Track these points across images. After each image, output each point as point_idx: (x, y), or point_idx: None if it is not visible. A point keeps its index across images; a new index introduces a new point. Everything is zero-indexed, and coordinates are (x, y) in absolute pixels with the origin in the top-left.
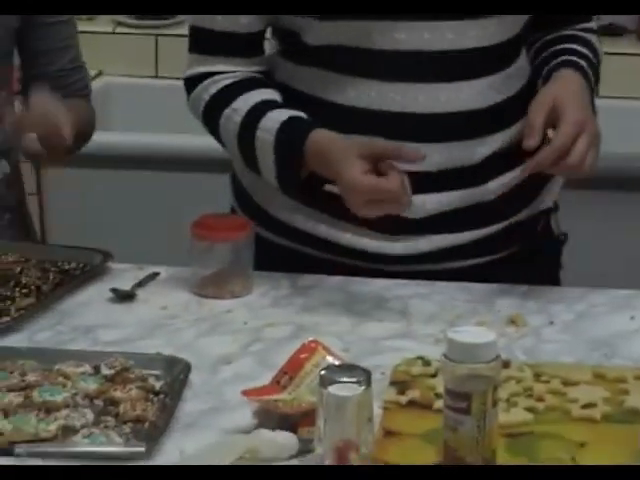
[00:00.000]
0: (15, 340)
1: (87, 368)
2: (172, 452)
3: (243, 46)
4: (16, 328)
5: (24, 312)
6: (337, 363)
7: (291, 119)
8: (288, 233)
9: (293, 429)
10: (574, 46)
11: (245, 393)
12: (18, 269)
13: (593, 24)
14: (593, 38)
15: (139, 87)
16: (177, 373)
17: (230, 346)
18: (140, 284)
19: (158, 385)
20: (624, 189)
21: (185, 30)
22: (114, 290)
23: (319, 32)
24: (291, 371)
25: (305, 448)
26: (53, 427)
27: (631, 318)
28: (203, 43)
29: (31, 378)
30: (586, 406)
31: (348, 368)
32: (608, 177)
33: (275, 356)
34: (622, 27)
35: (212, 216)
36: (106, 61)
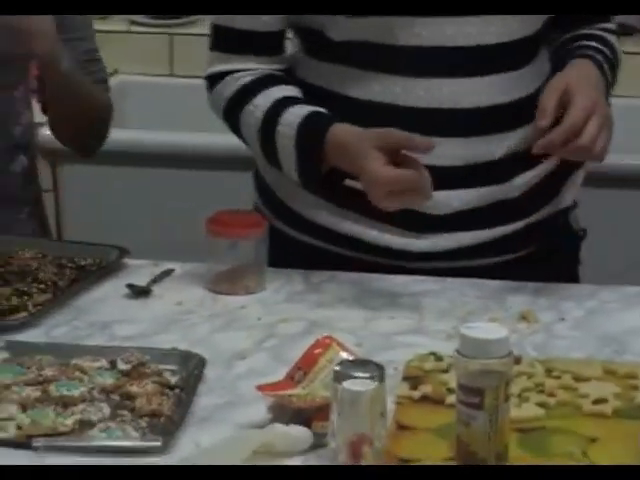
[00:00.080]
0: (32, 335)
1: (103, 363)
2: (188, 446)
3: (264, 44)
4: (33, 323)
5: (41, 308)
6: (351, 358)
7: (312, 114)
8: (311, 230)
9: (307, 424)
10: (591, 43)
11: (259, 388)
12: (35, 265)
13: (612, 25)
14: (612, 38)
15: (154, 85)
16: (192, 368)
17: (244, 341)
18: (155, 280)
19: (174, 380)
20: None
21: (199, 29)
22: (130, 286)
23: (342, 29)
24: (305, 366)
25: (319, 442)
26: (70, 421)
27: None
28: (224, 41)
29: (48, 373)
30: (597, 401)
31: (362, 363)
32: (621, 176)
33: (289, 351)
34: (632, 27)
35: (227, 213)
36: (121, 60)
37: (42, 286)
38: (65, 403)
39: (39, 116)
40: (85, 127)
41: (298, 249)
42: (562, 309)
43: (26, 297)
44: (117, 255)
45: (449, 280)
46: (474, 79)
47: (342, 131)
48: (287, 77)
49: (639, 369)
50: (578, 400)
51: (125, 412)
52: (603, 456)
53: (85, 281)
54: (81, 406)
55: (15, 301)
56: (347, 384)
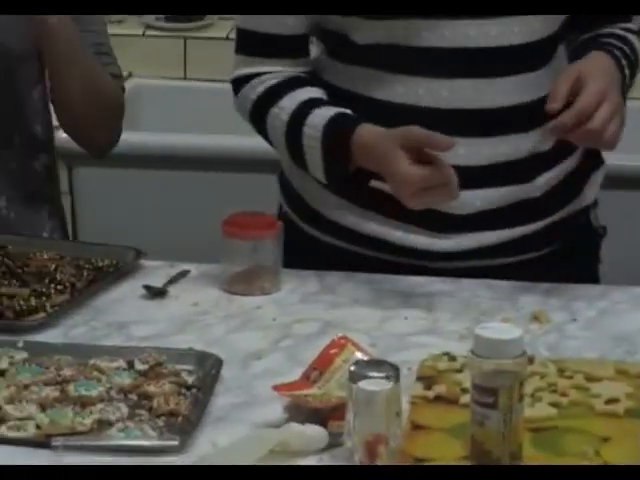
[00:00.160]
0: (51, 336)
1: (121, 363)
2: (205, 445)
3: (289, 48)
4: (51, 324)
5: (59, 308)
6: (366, 359)
7: (337, 115)
8: (336, 231)
9: (323, 423)
10: (611, 40)
11: (276, 388)
12: (53, 266)
13: (633, 25)
14: (632, 37)
15: (168, 88)
16: (209, 368)
17: (260, 342)
18: (171, 281)
19: (190, 380)
20: None
21: (212, 33)
22: (146, 287)
23: (366, 32)
24: (321, 366)
25: (335, 442)
26: (89, 421)
27: None
28: (249, 45)
29: (67, 373)
30: (609, 401)
31: (377, 364)
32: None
33: (304, 351)
34: None
35: (242, 214)
36: (136, 63)
37: (60, 287)
38: (83, 403)
39: (55, 118)
40: (93, 117)
41: (323, 250)
42: (574, 309)
43: (44, 298)
44: (133, 256)
45: (462, 281)
46: (496, 80)
47: (368, 132)
48: (312, 79)
49: None
50: (590, 400)
51: (143, 412)
52: (616, 455)
53: (102, 282)
54: (99, 406)
55: (33, 302)
56: (363, 384)
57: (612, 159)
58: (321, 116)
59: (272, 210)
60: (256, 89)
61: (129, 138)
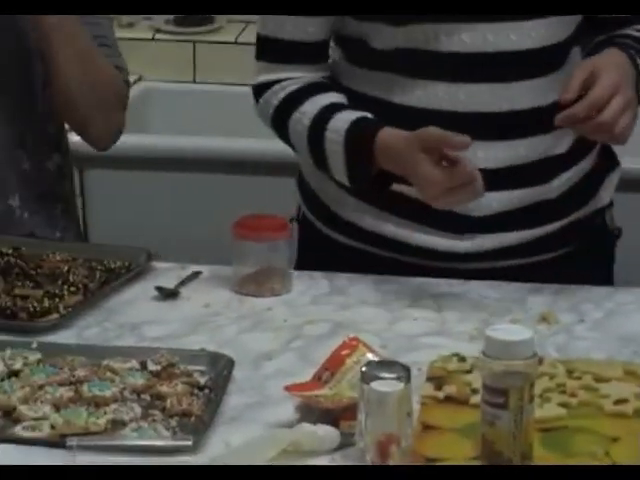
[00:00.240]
0: (64, 337)
1: (134, 364)
2: (218, 445)
3: (310, 54)
4: (65, 325)
5: (72, 309)
6: (377, 360)
7: (359, 119)
8: (356, 234)
9: (334, 423)
10: (626, 41)
11: (288, 388)
12: (66, 268)
13: None
14: None
15: (177, 92)
16: (221, 369)
17: (271, 343)
18: (183, 282)
19: (203, 380)
20: None
21: (221, 37)
22: (158, 288)
23: (386, 37)
24: (332, 367)
25: (346, 442)
26: (102, 421)
27: None
28: (270, 52)
29: (80, 373)
30: (618, 402)
31: (388, 365)
32: None
33: (315, 352)
34: None
35: (252, 216)
36: (146, 67)
37: (73, 288)
38: (97, 403)
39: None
40: (89, 102)
41: (341, 251)
42: (581, 310)
43: (57, 299)
44: (145, 258)
45: (470, 282)
46: (513, 83)
47: (389, 135)
48: (332, 84)
49: None
50: (599, 400)
51: (156, 412)
52: (625, 455)
53: (115, 283)
54: (113, 406)
55: (47, 303)
56: (375, 385)
57: (627, 162)
58: (343, 120)
59: (281, 211)
60: (278, 95)
61: (140, 141)
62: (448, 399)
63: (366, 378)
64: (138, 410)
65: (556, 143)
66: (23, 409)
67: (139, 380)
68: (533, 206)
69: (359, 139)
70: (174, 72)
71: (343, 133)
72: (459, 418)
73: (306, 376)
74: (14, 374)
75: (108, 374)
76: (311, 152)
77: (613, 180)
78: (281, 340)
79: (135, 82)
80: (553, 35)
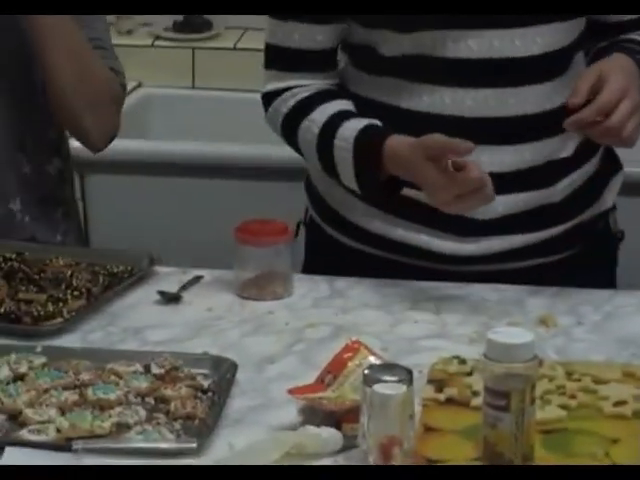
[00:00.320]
0: (68, 341)
1: (138, 367)
2: (222, 448)
3: (319, 62)
4: (69, 329)
5: (76, 314)
6: (379, 363)
7: (367, 127)
8: (364, 237)
9: (337, 426)
10: (629, 45)
11: (291, 391)
12: (69, 272)
13: None
14: None
15: (177, 97)
16: (224, 372)
17: (273, 346)
18: (185, 287)
19: (206, 383)
20: None
21: (220, 43)
22: (161, 293)
23: (394, 44)
24: (335, 370)
25: (349, 444)
26: (107, 424)
27: None
28: (279, 60)
29: (85, 377)
30: (617, 403)
31: (390, 367)
32: None
33: (317, 355)
34: None
35: (254, 221)
36: (145, 73)
37: (76, 293)
38: (102, 406)
39: None
40: (81, 99)
41: (349, 255)
42: (580, 313)
43: (61, 303)
44: (148, 262)
45: (470, 285)
46: (518, 88)
47: (397, 142)
48: (340, 91)
49: None
50: (599, 402)
51: (160, 415)
52: (626, 456)
53: (118, 288)
54: (117, 409)
55: (50, 307)
56: (378, 387)
57: (630, 165)
58: (351, 128)
59: (280, 216)
60: (287, 102)
61: (140, 146)
62: (449, 401)
63: (369, 381)
64: (142, 413)
65: (561, 147)
66: (29, 412)
67: (143, 383)
68: (538, 209)
69: (367, 147)
70: (173, 78)
71: (352, 141)
72: (460, 420)
73: (308, 379)
74: (19, 378)
75: (112, 377)
76: (320, 160)
77: (616, 183)
78: (283, 343)
79: (135, 88)
80: (557, 41)
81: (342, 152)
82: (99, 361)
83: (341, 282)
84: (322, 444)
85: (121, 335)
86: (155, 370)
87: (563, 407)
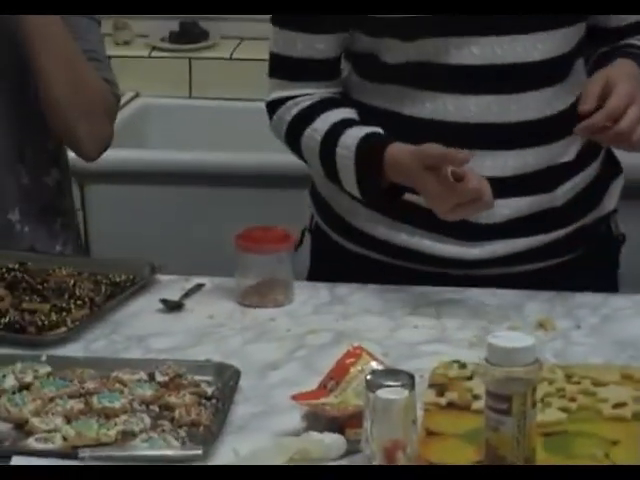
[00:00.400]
0: (72, 350)
1: (142, 375)
2: (227, 454)
3: (321, 71)
4: (73, 338)
5: (79, 323)
6: (381, 368)
7: (368, 135)
8: (369, 243)
9: (340, 431)
10: (631, 50)
11: (294, 397)
12: (72, 282)
13: None
14: None
15: (174, 107)
16: (227, 379)
17: (275, 352)
18: (187, 295)
19: (210, 390)
20: None
21: (216, 53)
22: (163, 301)
23: (398, 51)
24: (337, 376)
25: (352, 449)
26: (113, 432)
27: None
28: (283, 69)
29: (90, 385)
30: (617, 405)
31: (392, 372)
32: None
33: (319, 361)
34: None
35: (254, 229)
36: (142, 83)
37: (79, 302)
38: (107, 414)
39: None
40: (73, 107)
41: (354, 261)
42: (578, 316)
43: (64, 313)
44: (149, 271)
45: (469, 290)
46: (520, 94)
47: (398, 151)
48: (343, 99)
49: None
50: (598, 404)
51: (165, 422)
52: (625, 458)
53: (120, 296)
54: (123, 417)
55: (54, 317)
56: (380, 393)
57: (631, 169)
58: (353, 136)
59: (282, 223)
60: (291, 111)
61: (138, 155)
62: (450, 405)
63: (371, 386)
64: (147, 421)
65: (562, 152)
66: (35, 421)
67: (147, 391)
68: (540, 213)
69: (369, 155)
70: (170, 88)
71: (353, 149)
72: (461, 424)
73: (311, 385)
74: (25, 387)
75: (117, 385)
76: (323, 167)
77: (617, 187)
78: (285, 350)
79: (132, 98)
80: (558, 47)
81: (344, 160)
82: (103, 369)
83: (341, 288)
84: (326, 449)
85: (125, 343)
86: (159, 378)
87: (563, 410)
